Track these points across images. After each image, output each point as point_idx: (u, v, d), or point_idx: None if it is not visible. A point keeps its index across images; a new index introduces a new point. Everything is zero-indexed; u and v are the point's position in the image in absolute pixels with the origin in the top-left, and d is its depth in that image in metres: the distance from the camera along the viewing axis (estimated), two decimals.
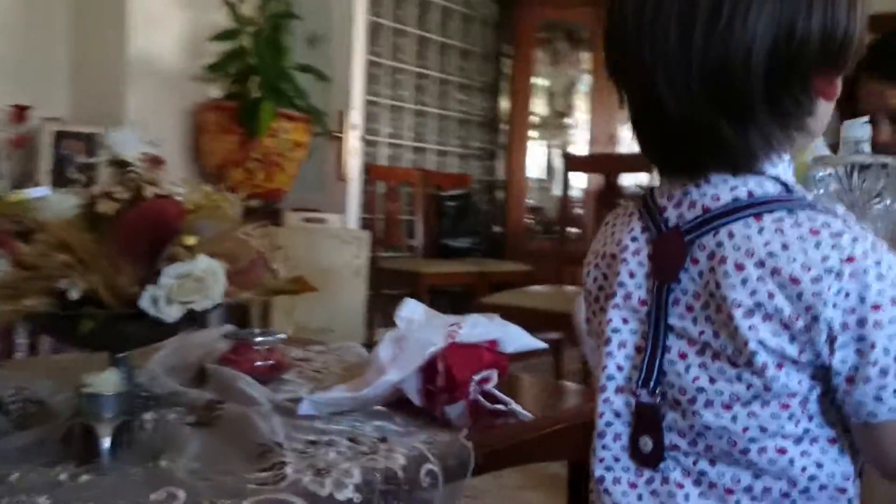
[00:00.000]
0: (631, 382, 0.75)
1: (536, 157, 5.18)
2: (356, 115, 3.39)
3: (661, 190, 0.77)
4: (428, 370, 1.08)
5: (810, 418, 0.70)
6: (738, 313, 0.67)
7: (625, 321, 0.76)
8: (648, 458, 0.74)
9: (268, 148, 2.91)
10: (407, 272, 4.13)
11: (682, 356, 0.72)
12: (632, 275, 0.76)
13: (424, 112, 4.77)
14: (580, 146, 5.07)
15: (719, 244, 0.69)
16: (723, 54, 0.67)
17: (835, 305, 0.65)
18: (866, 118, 1.00)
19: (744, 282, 0.67)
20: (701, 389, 0.70)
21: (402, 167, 4.64)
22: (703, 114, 0.68)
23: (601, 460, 0.77)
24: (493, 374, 1.15)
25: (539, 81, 5.07)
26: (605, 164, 3.56)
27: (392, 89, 4.53)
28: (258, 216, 1.13)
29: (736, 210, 0.70)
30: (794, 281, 0.65)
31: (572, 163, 3.45)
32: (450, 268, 4.20)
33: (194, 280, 0.97)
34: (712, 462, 0.72)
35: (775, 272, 0.66)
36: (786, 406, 0.69)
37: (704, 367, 0.71)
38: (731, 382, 0.69)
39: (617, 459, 0.76)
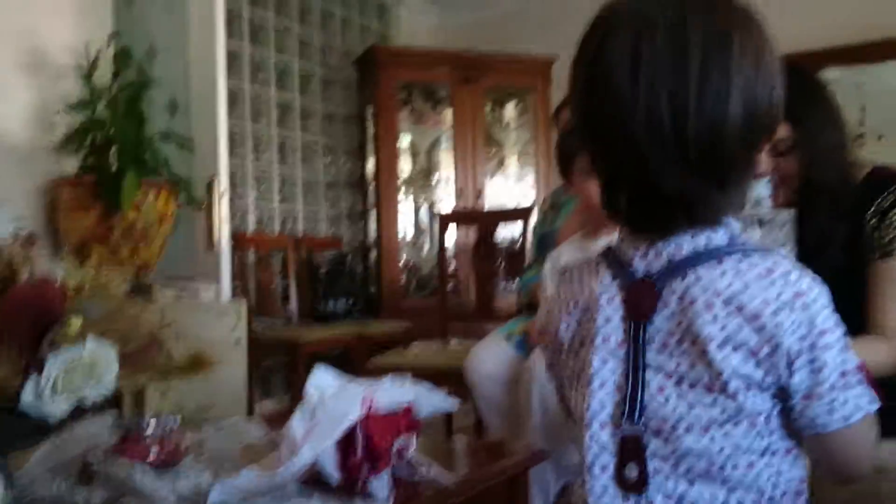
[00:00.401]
0: (614, 417, 0.82)
1: (406, 215, 5.20)
2: (224, 182, 3.29)
3: (626, 244, 0.85)
4: (346, 442, 1.02)
5: (772, 433, 0.79)
6: (711, 346, 0.76)
7: (604, 361, 0.83)
8: (634, 485, 0.80)
9: (132, 221, 2.76)
10: (284, 340, 4.00)
11: (661, 389, 0.80)
12: (608, 320, 0.83)
13: (291, 177, 4.70)
14: (447, 201, 5.13)
15: (687, 287, 0.79)
16: (712, 128, 0.75)
17: (791, 334, 0.75)
18: (768, 177, 1.09)
19: (714, 318, 0.76)
20: (681, 417, 0.78)
21: (271, 233, 4.53)
22: (697, 186, 0.77)
23: (591, 491, 0.82)
24: (412, 441, 1.10)
25: (403, 140, 5.12)
26: (478, 219, 3.61)
27: (256, 155, 4.44)
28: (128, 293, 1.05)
29: (698, 257, 0.79)
30: (757, 315, 0.75)
31: (446, 220, 3.47)
32: (328, 332, 4.10)
33: (83, 367, 0.88)
34: (691, 482, 0.79)
35: (740, 308, 0.75)
36: (753, 424, 0.78)
37: (682, 397, 0.79)
38: (708, 408, 0.78)
39: (605, 488, 0.82)
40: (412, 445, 1.09)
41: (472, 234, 3.70)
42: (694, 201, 0.78)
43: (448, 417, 3.14)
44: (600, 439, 0.82)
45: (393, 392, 1.09)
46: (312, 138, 4.87)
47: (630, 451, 0.80)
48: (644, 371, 0.80)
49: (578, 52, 0.83)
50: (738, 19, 0.77)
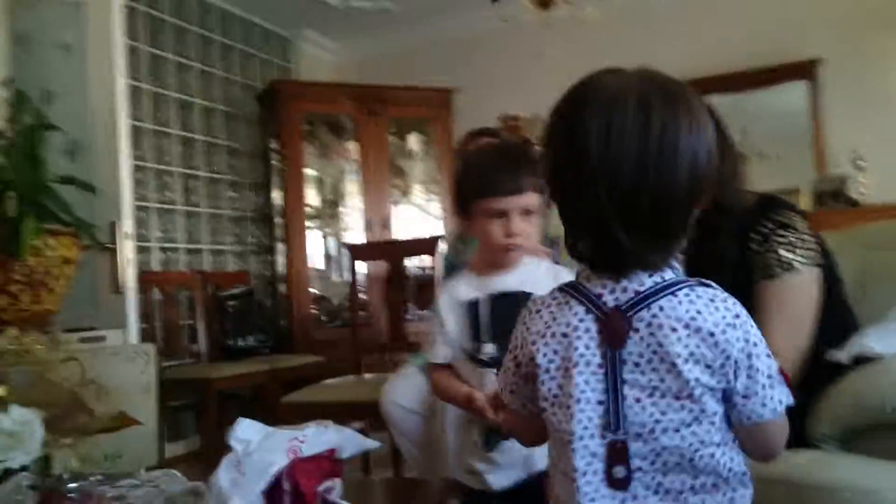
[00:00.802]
0: (600, 428, 0.97)
1: (314, 247, 5.19)
2: (128, 225, 3.24)
3: (591, 282, 1.00)
4: (273, 491, 1.05)
5: (724, 428, 0.97)
6: (679, 362, 0.93)
7: (587, 382, 0.97)
8: (621, 482, 0.96)
9: (32, 268, 2.68)
10: (193, 379, 3.94)
11: (638, 399, 0.96)
12: (587, 347, 0.98)
13: (195, 213, 4.64)
14: (356, 232, 5.16)
15: (654, 315, 0.96)
16: (668, 184, 0.92)
17: (735, 347, 0.94)
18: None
19: (678, 339, 0.94)
20: (657, 421, 0.95)
21: (176, 271, 4.46)
22: (647, 240, 0.95)
23: (585, 494, 0.96)
24: (336, 483, 1.14)
25: (309, 172, 5.13)
26: (388, 250, 3.65)
27: (159, 192, 4.38)
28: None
29: (657, 292, 0.97)
30: (712, 334, 0.94)
31: (357, 252, 3.51)
32: (238, 369, 4.05)
33: (7, 436, 0.88)
34: (665, 474, 0.96)
35: (698, 330, 0.94)
36: (712, 422, 0.96)
37: (656, 405, 0.95)
38: (678, 412, 0.95)
39: (597, 489, 0.96)
40: (337, 488, 1.13)
41: (382, 264, 3.73)
42: (645, 252, 0.95)
43: (365, 459, 3.15)
44: (589, 448, 0.97)
45: (317, 438, 1.13)
46: (217, 174, 4.83)
47: (617, 454, 0.96)
48: (622, 387, 0.96)
49: (555, 120, 1.01)
50: (685, 97, 0.96)
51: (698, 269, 1.78)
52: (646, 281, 0.97)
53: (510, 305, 1.52)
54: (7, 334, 0.96)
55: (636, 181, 0.92)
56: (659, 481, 0.96)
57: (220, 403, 3.89)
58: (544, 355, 1.00)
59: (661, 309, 0.96)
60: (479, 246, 1.65)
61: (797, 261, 1.73)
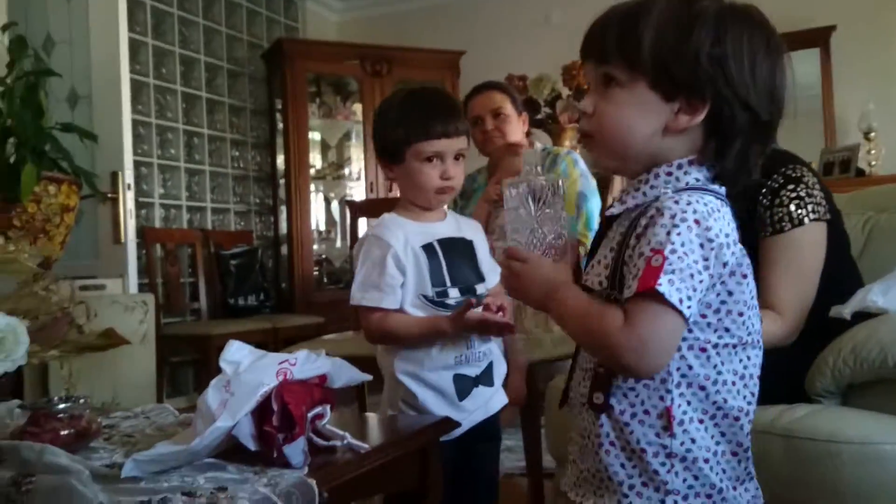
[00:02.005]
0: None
1: (317, 209, 5.18)
2: (129, 175, 3.23)
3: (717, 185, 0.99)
4: (261, 411, 1.04)
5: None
6: None
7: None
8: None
9: (32, 214, 2.67)
10: (194, 336, 3.94)
11: None
12: (742, 248, 0.97)
13: (197, 170, 4.62)
14: (359, 194, 5.14)
15: None
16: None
17: None
18: (542, 147, 1.18)
19: None
20: None
21: (179, 228, 4.45)
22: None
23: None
24: (327, 410, 1.13)
25: (313, 134, 5.10)
26: (388, 207, 3.62)
27: (161, 148, 4.35)
28: None
29: None
30: None
31: (357, 209, 3.48)
32: (239, 327, 4.05)
33: None
34: None
35: None
36: None
37: None
38: None
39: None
40: (327, 415, 1.12)
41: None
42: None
43: (362, 406, 3.16)
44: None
45: (308, 363, 1.12)
46: (220, 132, 4.80)
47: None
48: None
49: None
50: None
51: None
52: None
53: (458, 251, 1.59)
54: None
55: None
56: None
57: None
58: (733, 254, 0.95)
59: None
60: (405, 191, 1.63)
61: (806, 215, 1.71)
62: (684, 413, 0.94)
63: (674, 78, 0.94)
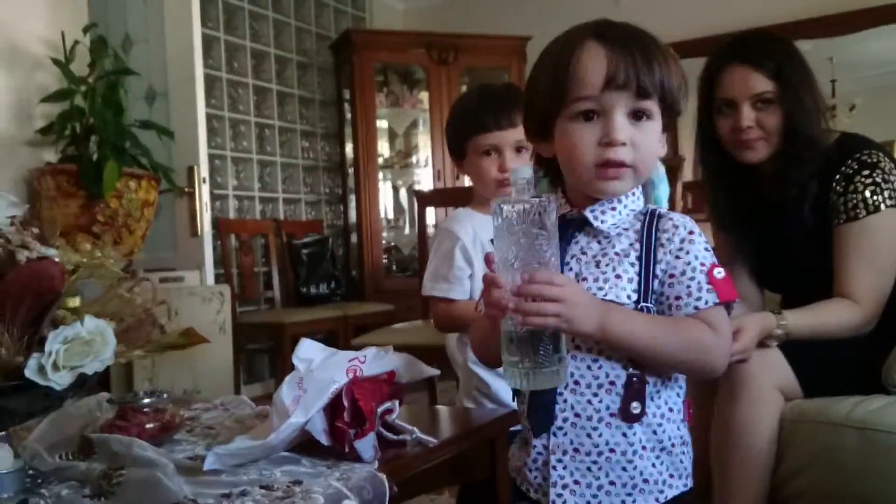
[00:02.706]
0: None
1: (385, 197, 5.24)
2: (204, 169, 3.33)
3: None
4: (333, 408, 1.08)
5: None
6: None
7: None
8: None
9: (114, 210, 2.79)
10: (268, 324, 4.05)
11: None
12: None
13: (269, 162, 4.72)
14: (426, 183, 5.17)
15: None
16: None
17: None
18: (531, 163, 1.15)
19: None
20: None
21: (252, 219, 4.56)
22: None
23: None
24: (395, 405, 1.16)
25: (381, 123, 5.15)
26: (456, 197, 3.64)
27: (234, 141, 4.47)
28: None
29: None
30: None
31: (424, 199, 3.51)
32: (311, 315, 4.15)
33: (82, 343, 0.93)
34: None
35: None
36: None
37: None
38: None
39: None
40: (396, 410, 1.15)
41: (450, 213, 3.71)
42: None
43: (432, 396, 3.20)
44: None
45: (376, 360, 1.15)
46: (290, 124, 4.89)
47: None
48: None
49: None
50: None
51: (781, 198, 1.73)
52: None
53: None
54: (81, 248, 1.00)
55: None
56: None
57: (293, 347, 3.98)
58: None
59: None
60: (475, 185, 1.65)
61: (882, 202, 1.67)
62: (684, 403, 1.07)
63: (674, 110, 1.04)
